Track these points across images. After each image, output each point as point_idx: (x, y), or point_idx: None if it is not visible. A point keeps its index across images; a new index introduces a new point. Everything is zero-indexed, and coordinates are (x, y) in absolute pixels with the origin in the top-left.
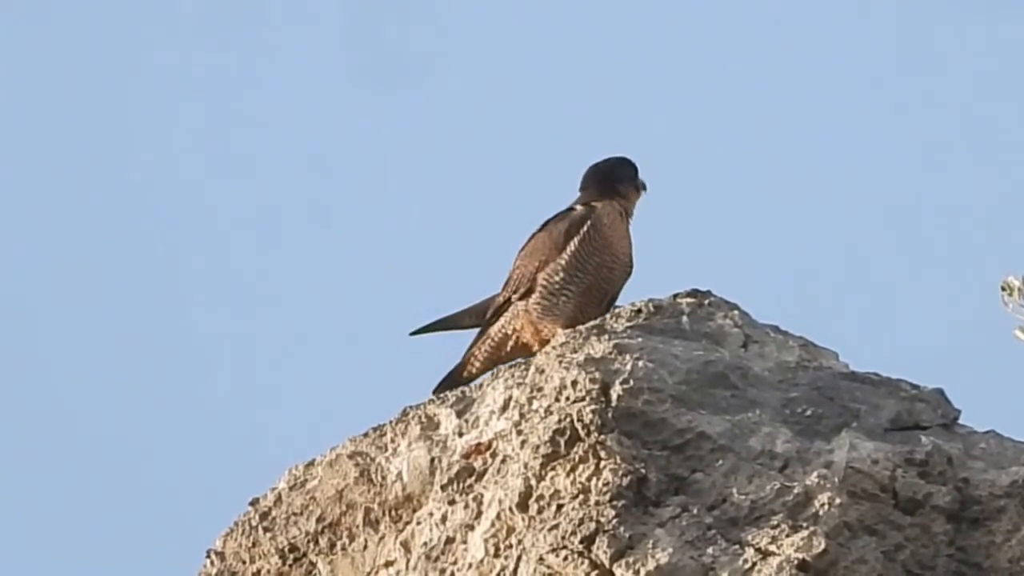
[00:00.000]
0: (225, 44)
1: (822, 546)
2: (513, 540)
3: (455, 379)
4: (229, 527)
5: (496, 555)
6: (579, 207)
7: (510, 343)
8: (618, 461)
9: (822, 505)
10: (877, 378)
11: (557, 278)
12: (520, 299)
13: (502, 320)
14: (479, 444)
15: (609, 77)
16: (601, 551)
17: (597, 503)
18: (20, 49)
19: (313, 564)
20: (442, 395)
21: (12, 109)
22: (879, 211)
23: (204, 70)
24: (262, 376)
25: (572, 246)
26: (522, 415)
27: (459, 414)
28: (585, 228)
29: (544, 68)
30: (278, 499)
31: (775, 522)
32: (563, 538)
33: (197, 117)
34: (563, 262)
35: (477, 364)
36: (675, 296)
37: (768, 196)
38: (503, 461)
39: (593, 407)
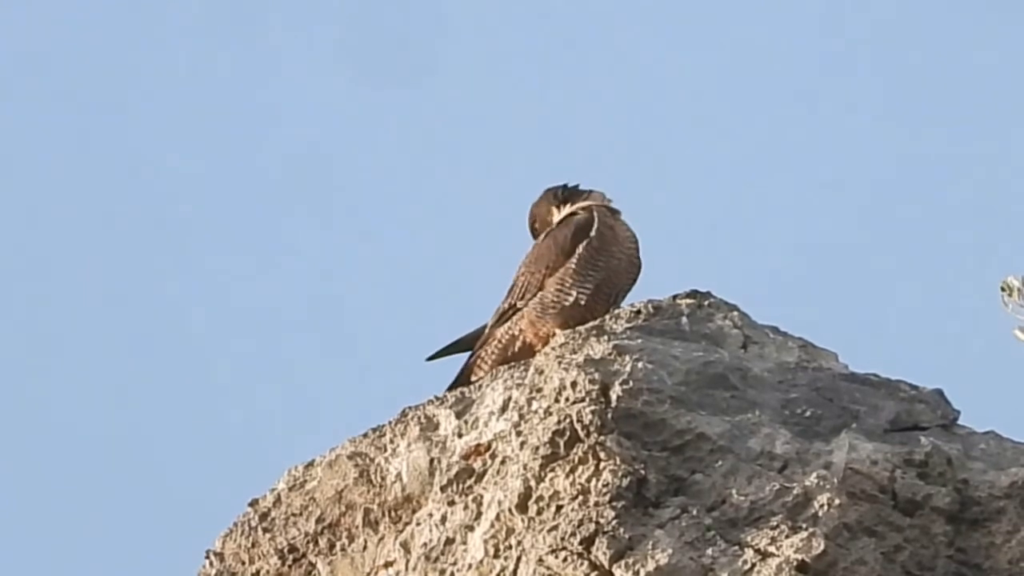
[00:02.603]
0: (225, 45)
1: (821, 547)
2: (513, 541)
3: (462, 384)
4: (228, 528)
5: (496, 556)
6: (580, 212)
7: (517, 344)
8: (617, 462)
9: (821, 506)
10: (876, 379)
11: (568, 283)
12: (527, 305)
13: (508, 323)
14: (478, 445)
15: (611, 75)
16: (600, 552)
17: (596, 504)
18: (24, 49)
19: (312, 565)
20: (441, 396)
21: (14, 109)
22: (879, 211)
23: (205, 71)
24: (263, 376)
25: (580, 250)
26: (521, 416)
27: (458, 415)
28: (593, 232)
29: (547, 64)
30: (277, 500)
31: (774, 523)
32: (562, 539)
33: (198, 116)
34: (573, 267)
35: (485, 368)
36: (674, 297)
37: (768, 196)
38: (502, 462)
39: (592, 408)
